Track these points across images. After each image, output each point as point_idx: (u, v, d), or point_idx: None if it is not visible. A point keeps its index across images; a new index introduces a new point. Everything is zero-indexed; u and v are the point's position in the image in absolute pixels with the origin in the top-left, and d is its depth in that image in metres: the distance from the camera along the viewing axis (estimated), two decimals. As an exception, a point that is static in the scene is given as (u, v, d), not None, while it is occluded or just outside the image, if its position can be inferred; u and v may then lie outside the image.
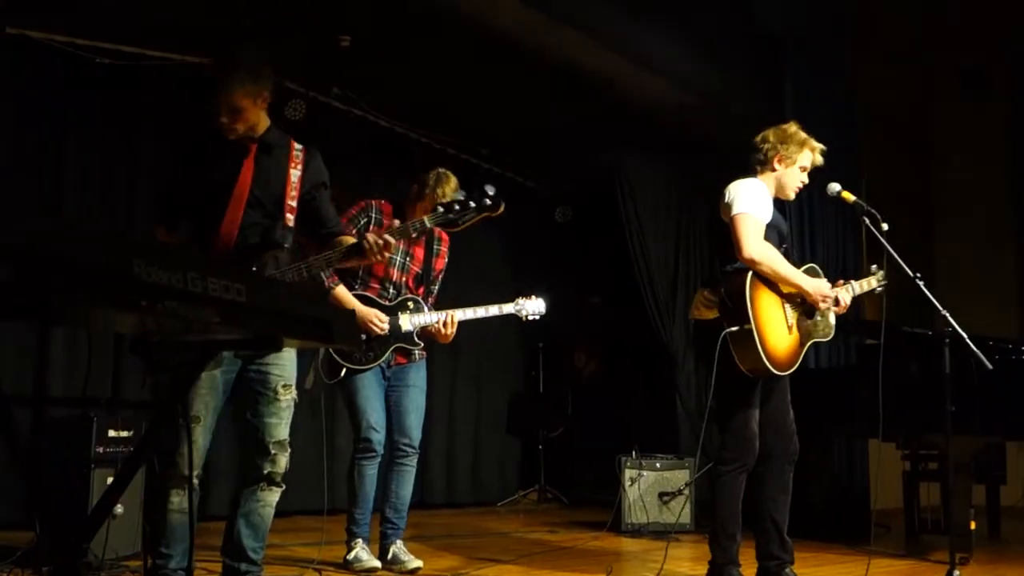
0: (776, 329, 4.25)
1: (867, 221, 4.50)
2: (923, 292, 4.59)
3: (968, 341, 4.55)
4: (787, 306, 4.35)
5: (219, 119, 3.51)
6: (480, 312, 4.97)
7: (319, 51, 6.47)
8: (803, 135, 4.51)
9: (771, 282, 4.28)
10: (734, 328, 4.16)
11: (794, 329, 4.35)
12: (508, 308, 5.08)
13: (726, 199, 4.38)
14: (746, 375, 4.22)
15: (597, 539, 6.48)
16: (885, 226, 4.45)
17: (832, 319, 4.54)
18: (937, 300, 4.55)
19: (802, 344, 4.38)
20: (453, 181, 4.91)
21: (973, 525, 5.62)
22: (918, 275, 4.65)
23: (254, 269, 3.47)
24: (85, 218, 6.36)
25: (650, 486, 6.82)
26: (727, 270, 4.33)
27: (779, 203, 4.58)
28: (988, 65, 10.47)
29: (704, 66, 7.06)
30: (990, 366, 4.53)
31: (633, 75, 6.72)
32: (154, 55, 6.38)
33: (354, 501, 4.98)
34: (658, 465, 6.87)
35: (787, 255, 4.45)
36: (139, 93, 6.53)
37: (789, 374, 4.35)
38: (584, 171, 8.71)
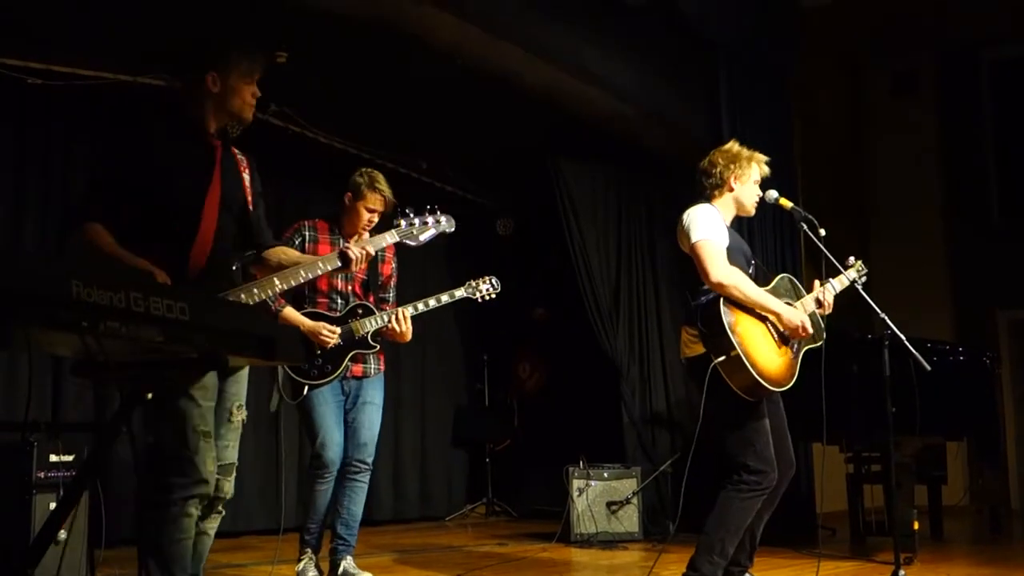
0: (764, 347, 4.24)
1: (805, 227, 4.55)
2: (862, 295, 4.67)
3: (907, 343, 4.62)
4: (769, 322, 4.34)
5: (248, 101, 3.37)
6: (432, 303, 4.95)
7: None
8: (747, 151, 4.56)
9: None
10: (722, 358, 4.13)
11: (782, 342, 4.37)
12: (460, 292, 5.05)
13: (682, 228, 4.37)
14: (747, 399, 4.20)
15: (546, 550, 6.48)
16: (823, 231, 4.51)
17: (820, 323, 4.57)
18: (875, 303, 4.63)
19: (796, 355, 4.38)
20: (380, 175, 4.97)
21: (916, 525, 5.72)
22: (856, 268, 4.74)
23: (234, 271, 3.39)
24: (21, 241, 6.24)
25: (598, 496, 6.84)
26: (700, 302, 4.30)
27: (736, 224, 4.63)
28: (918, 69, 10.69)
29: (641, 77, 7.11)
30: (928, 367, 4.61)
31: (571, 87, 6.74)
32: (87, 74, 6.28)
33: (307, 514, 4.99)
34: (605, 475, 6.89)
35: (759, 272, 4.49)
36: (73, 112, 6.44)
37: (785, 390, 4.33)
38: (525, 183, 8.73)
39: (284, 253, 3.72)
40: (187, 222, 3.27)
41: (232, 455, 3.42)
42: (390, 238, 4.30)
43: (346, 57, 6.34)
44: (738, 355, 4.10)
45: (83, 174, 6.52)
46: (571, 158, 8.01)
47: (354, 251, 3.79)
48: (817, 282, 4.60)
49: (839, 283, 4.71)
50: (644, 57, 7.11)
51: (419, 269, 8.63)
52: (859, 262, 4.89)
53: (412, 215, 4.38)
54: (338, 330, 4.81)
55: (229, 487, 3.40)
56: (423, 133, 7.76)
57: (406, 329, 4.90)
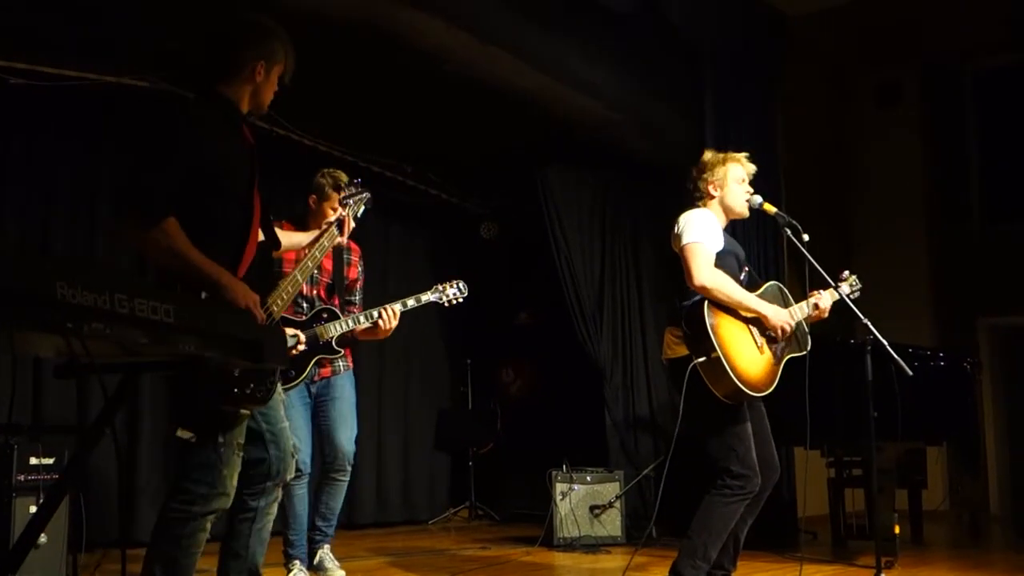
0: (745, 352, 4.26)
1: (789, 232, 4.57)
2: (845, 301, 4.69)
3: (889, 348, 4.65)
4: (753, 328, 4.35)
5: (271, 97, 3.34)
6: (397, 307, 4.88)
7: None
8: (720, 154, 4.58)
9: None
10: (701, 359, 4.16)
11: (765, 349, 4.36)
12: (427, 296, 4.99)
13: (676, 231, 4.39)
14: (727, 403, 4.22)
15: (530, 554, 6.48)
16: (806, 237, 4.52)
17: (807, 331, 4.58)
18: (858, 308, 4.65)
19: (778, 362, 4.39)
20: (343, 175, 4.96)
21: (897, 529, 5.74)
22: (839, 285, 4.75)
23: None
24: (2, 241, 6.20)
25: (581, 500, 6.85)
26: (685, 304, 4.33)
27: (732, 228, 4.64)
28: (902, 79, 10.75)
29: (627, 83, 7.13)
30: (911, 373, 4.64)
31: (558, 92, 6.76)
32: (72, 75, 6.25)
33: (287, 523, 4.94)
34: (588, 479, 6.90)
35: (750, 278, 4.51)
36: (58, 113, 6.41)
37: (765, 396, 4.34)
38: (509, 187, 8.74)
39: (282, 236, 3.76)
40: (244, 210, 3.20)
41: (291, 435, 3.44)
42: (351, 213, 4.49)
43: (333, 60, 6.33)
44: (718, 357, 4.12)
45: (66, 174, 6.51)
46: (556, 163, 8.03)
47: (349, 221, 4.11)
48: (818, 291, 4.62)
49: (830, 295, 4.72)
50: (631, 64, 7.13)
51: (403, 272, 8.64)
52: (853, 276, 4.92)
53: (348, 193, 4.58)
54: (303, 336, 4.74)
55: (294, 466, 3.46)
56: (409, 137, 7.76)
57: (391, 325, 4.84)
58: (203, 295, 2.90)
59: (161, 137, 3.08)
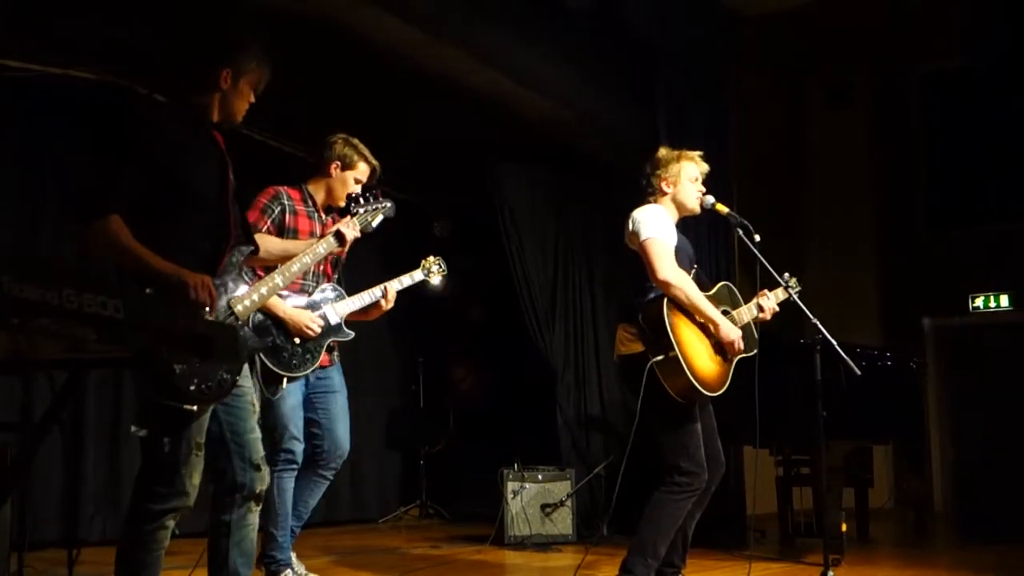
0: (701, 351, 4.28)
1: (740, 233, 4.60)
2: (794, 300, 4.73)
3: (838, 348, 4.70)
4: (707, 329, 4.37)
5: (244, 108, 3.32)
6: (395, 284, 4.76)
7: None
8: (674, 152, 4.60)
9: None
10: (660, 357, 4.16)
11: (718, 349, 4.39)
12: (418, 274, 4.97)
13: (631, 228, 4.39)
14: (681, 402, 4.23)
15: (480, 552, 6.47)
16: (757, 237, 4.56)
17: (755, 332, 4.61)
18: (807, 308, 4.70)
19: (729, 363, 4.41)
20: (361, 144, 4.82)
21: (844, 527, 5.81)
22: (789, 284, 4.79)
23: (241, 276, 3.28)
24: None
25: (532, 498, 6.85)
26: (642, 301, 4.33)
27: (683, 226, 4.66)
28: (853, 81, 10.88)
29: (580, 81, 7.14)
30: (858, 372, 4.69)
31: (511, 90, 6.75)
32: (15, 65, 6.14)
33: (274, 521, 4.61)
34: (540, 477, 6.91)
35: (698, 277, 4.53)
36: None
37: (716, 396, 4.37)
38: (463, 185, 8.72)
39: (264, 241, 3.69)
40: (218, 213, 3.20)
41: (262, 447, 3.36)
42: (359, 222, 4.31)
43: (285, 55, 6.27)
44: (676, 356, 4.13)
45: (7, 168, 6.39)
46: (510, 161, 8.02)
47: (350, 232, 3.93)
48: (765, 291, 4.65)
49: (775, 297, 4.76)
50: (584, 62, 7.14)
51: (355, 269, 8.55)
52: (793, 279, 4.96)
53: (362, 201, 4.39)
54: (321, 321, 4.49)
55: (267, 479, 3.37)
56: (360, 133, 7.68)
57: (390, 306, 4.75)
58: (147, 291, 2.88)
59: (115, 138, 3.11)
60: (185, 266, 3.00)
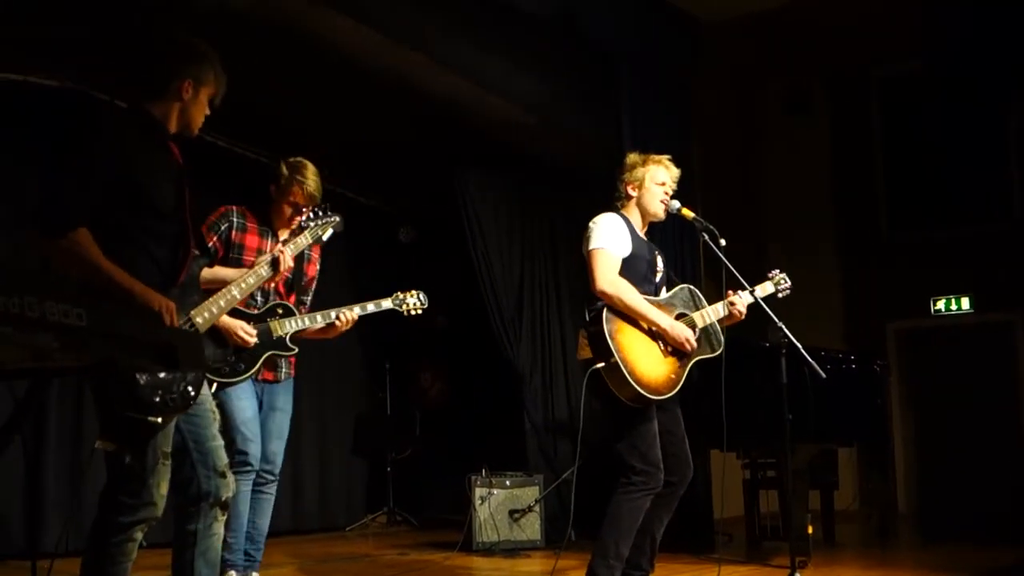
0: (645, 356, 4.30)
1: (706, 237, 4.62)
2: (760, 304, 4.75)
3: (803, 352, 4.73)
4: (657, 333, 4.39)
5: (201, 120, 3.30)
6: (356, 311, 4.75)
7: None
8: (641, 156, 4.64)
9: None
10: (600, 364, 4.21)
11: (669, 351, 4.40)
12: (386, 303, 4.89)
13: (586, 235, 4.44)
14: (632, 405, 4.26)
15: (449, 559, 6.45)
16: (723, 241, 4.58)
17: (719, 333, 4.61)
18: (772, 312, 4.72)
19: (684, 364, 4.42)
20: (309, 164, 4.79)
21: (810, 530, 5.85)
22: (754, 289, 4.81)
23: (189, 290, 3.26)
24: None
25: (500, 504, 6.85)
26: (591, 308, 4.38)
27: (650, 232, 4.67)
28: (811, 86, 10.97)
29: (543, 87, 7.15)
30: (823, 375, 4.72)
31: (474, 96, 6.75)
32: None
33: (225, 523, 4.72)
34: (508, 483, 6.90)
35: (667, 280, 4.55)
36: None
37: (671, 397, 4.38)
38: (427, 190, 8.71)
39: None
40: (177, 224, 3.18)
41: (225, 454, 3.35)
42: (303, 241, 4.43)
43: (247, 60, 6.23)
44: (616, 363, 4.17)
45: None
46: (475, 167, 8.01)
47: (285, 260, 4.00)
48: (731, 292, 4.67)
49: (761, 290, 4.78)
50: (546, 67, 7.16)
51: (321, 277, 8.51)
52: (782, 275, 4.98)
53: (312, 215, 4.47)
54: (254, 332, 4.51)
55: (233, 485, 3.36)
56: (325, 139, 7.68)
57: (345, 325, 4.73)
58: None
59: (79, 148, 3.08)
60: (146, 277, 2.99)
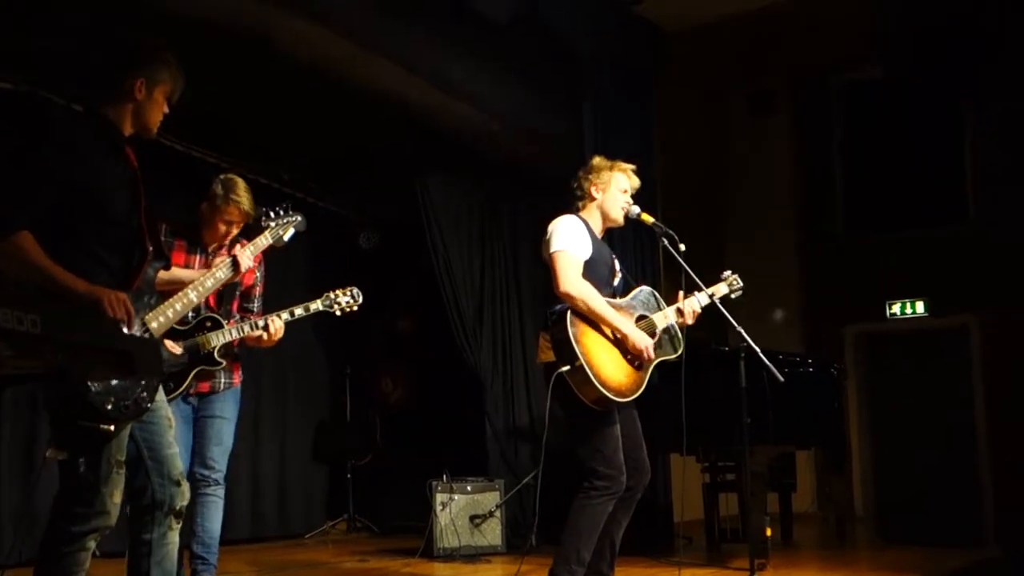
0: (609, 359, 4.31)
1: (665, 242, 4.64)
2: (718, 308, 4.78)
3: (761, 355, 4.76)
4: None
5: (158, 119, 3.27)
6: (285, 316, 4.66)
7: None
8: (608, 161, 4.67)
9: None
10: (565, 368, 4.20)
11: (631, 355, 4.41)
12: (316, 305, 4.74)
13: (546, 237, 4.45)
14: (596, 408, 4.27)
15: (409, 565, 6.44)
16: (682, 247, 4.61)
17: (679, 334, 4.64)
18: (731, 316, 4.75)
19: (645, 366, 4.43)
20: (241, 182, 4.73)
21: (769, 532, 5.90)
22: (713, 293, 4.84)
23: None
24: None
25: (461, 509, 6.83)
26: (554, 310, 4.38)
27: (608, 236, 4.68)
28: (775, 90, 11.07)
29: (507, 91, 7.15)
30: (781, 379, 4.74)
31: (437, 100, 6.74)
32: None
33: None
34: (469, 488, 6.89)
35: (625, 283, 4.56)
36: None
37: (633, 400, 4.39)
38: (390, 196, 8.68)
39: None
40: (130, 229, 3.15)
41: (180, 463, 3.34)
42: (264, 241, 4.39)
43: (207, 64, 6.19)
44: (582, 366, 4.18)
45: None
46: (437, 172, 8.00)
47: (245, 260, 3.99)
48: (681, 293, 4.69)
49: (714, 291, 4.81)
50: (510, 73, 7.16)
51: (279, 282, 8.46)
52: (734, 276, 5.01)
53: (272, 214, 4.42)
54: (179, 349, 4.44)
55: (188, 493, 3.34)
56: (286, 144, 7.64)
57: (276, 333, 4.63)
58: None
59: (29, 151, 3.05)
60: (97, 282, 2.96)
